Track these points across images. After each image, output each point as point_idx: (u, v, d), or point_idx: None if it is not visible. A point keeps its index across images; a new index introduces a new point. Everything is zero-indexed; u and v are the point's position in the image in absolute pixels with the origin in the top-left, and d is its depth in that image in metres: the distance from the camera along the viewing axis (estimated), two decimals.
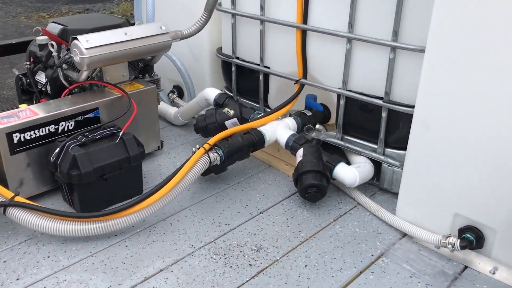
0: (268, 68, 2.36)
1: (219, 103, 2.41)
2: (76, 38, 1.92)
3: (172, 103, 2.86)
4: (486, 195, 1.59)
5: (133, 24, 2.31)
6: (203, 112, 2.48)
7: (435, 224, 1.75)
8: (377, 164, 2.08)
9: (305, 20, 2.11)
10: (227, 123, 2.32)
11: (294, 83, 2.25)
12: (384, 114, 1.98)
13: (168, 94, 2.88)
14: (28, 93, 2.23)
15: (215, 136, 2.03)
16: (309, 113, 2.32)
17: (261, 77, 2.40)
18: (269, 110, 2.44)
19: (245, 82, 2.54)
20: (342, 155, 2.20)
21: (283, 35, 2.22)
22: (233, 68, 2.52)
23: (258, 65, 2.39)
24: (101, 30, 2.07)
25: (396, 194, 1.95)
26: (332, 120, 2.32)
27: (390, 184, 2.05)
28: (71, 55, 1.96)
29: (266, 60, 2.36)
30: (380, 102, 1.96)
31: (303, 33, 2.14)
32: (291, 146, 2.12)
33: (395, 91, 1.93)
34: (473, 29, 1.46)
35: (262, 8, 2.25)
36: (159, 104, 2.41)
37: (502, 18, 1.40)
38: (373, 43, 1.89)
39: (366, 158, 2.10)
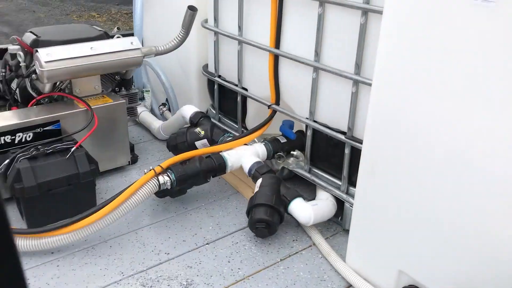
0: (246, 90, 2.27)
1: (193, 122, 2.34)
2: (37, 51, 1.92)
3: (162, 116, 2.83)
4: (430, 256, 1.42)
5: (113, 36, 2.29)
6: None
7: (381, 278, 1.59)
8: (342, 202, 1.94)
9: (277, 44, 2.00)
10: (197, 143, 2.25)
11: (268, 108, 2.15)
12: (347, 151, 1.84)
13: (159, 107, 2.85)
14: (4, 99, 2.26)
15: (170, 159, 1.96)
16: (283, 140, 2.20)
17: (239, 98, 2.32)
18: (246, 131, 2.36)
19: (227, 102, 2.46)
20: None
21: (259, 58, 2.13)
22: (215, 87, 2.45)
23: (236, 85, 2.30)
24: (73, 42, 2.07)
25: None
26: None
27: (349, 223, 1.90)
28: (35, 66, 1.97)
29: (245, 81, 2.27)
30: (342, 137, 1.82)
31: (276, 58, 2.03)
32: (253, 175, 2.02)
33: (358, 127, 1.78)
34: (416, 64, 1.31)
35: (240, 28, 2.17)
36: (132, 116, 2.37)
37: (441, 57, 1.24)
38: (337, 74, 1.76)
39: (330, 195, 1.96)
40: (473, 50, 1.17)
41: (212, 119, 2.54)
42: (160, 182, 1.88)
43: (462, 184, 1.27)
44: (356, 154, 1.83)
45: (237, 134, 2.37)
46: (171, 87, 2.57)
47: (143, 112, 2.79)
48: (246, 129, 2.38)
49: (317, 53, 1.82)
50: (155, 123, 2.67)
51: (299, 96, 2.01)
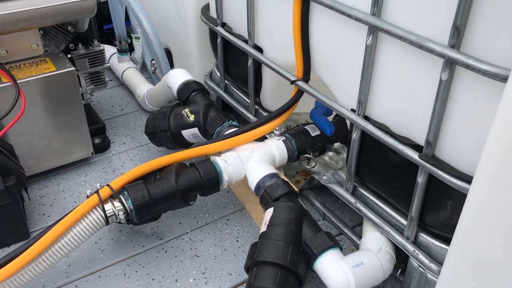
0: (260, 50, 1.46)
1: (181, 99, 1.57)
2: None
3: (155, 75, 2.06)
4: None
5: None
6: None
7: None
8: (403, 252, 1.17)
9: None
10: (184, 132, 1.50)
11: (291, 83, 1.34)
12: (421, 179, 1.04)
13: (152, 61, 2.07)
14: None
15: (125, 174, 1.22)
16: (314, 131, 1.42)
17: (250, 62, 1.51)
18: (262, 111, 1.58)
19: (236, 63, 1.66)
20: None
21: (280, 3, 1.29)
22: (219, 40, 1.64)
23: (247, 42, 1.49)
24: None
25: None
26: None
27: None
28: None
29: (259, 37, 1.45)
30: (414, 155, 1.02)
31: (305, 3, 1.19)
32: (261, 197, 1.27)
33: (445, 142, 0.97)
34: None
35: None
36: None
37: None
38: (412, 43, 0.92)
39: (385, 240, 1.19)
40: None
41: (214, 91, 1.76)
42: (108, 215, 1.16)
43: None
44: (436, 186, 1.03)
45: (248, 121, 1.60)
46: (157, 38, 1.77)
47: (128, 70, 2.03)
48: (261, 106, 1.60)
49: (377, 2, 0.98)
50: (141, 88, 1.91)
51: (341, 72, 1.19)
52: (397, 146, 1.05)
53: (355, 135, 1.18)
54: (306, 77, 1.30)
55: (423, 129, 0.99)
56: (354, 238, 1.35)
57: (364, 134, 1.17)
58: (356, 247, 1.34)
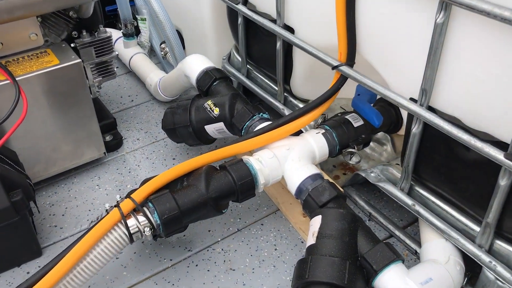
0: (291, 30, 1.27)
1: (201, 89, 1.40)
2: None
3: (165, 60, 1.88)
4: None
5: None
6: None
7: None
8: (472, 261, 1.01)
9: None
10: (208, 128, 1.33)
11: (332, 69, 1.17)
12: (503, 181, 0.87)
13: (161, 45, 1.89)
14: None
15: (148, 183, 1.06)
16: (357, 123, 1.25)
17: (278, 44, 1.33)
18: (292, 99, 1.41)
19: (260, 45, 1.48)
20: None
21: None
22: (240, 20, 1.45)
23: (275, 22, 1.30)
24: None
25: None
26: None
27: None
28: None
29: (290, 16, 1.26)
30: (499, 156, 0.85)
31: None
32: (305, 202, 1.10)
33: None
34: None
35: None
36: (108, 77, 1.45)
37: None
38: (504, 20, 0.74)
39: (454, 249, 1.03)
40: None
41: (234, 77, 1.58)
42: (132, 231, 1.01)
43: None
44: None
45: (283, 115, 1.43)
46: (168, 19, 1.58)
47: (136, 56, 1.85)
48: (291, 94, 1.42)
49: None
50: (152, 76, 1.73)
51: (397, 56, 1.01)
52: (474, 143, 0.88)
53: (416, 129, 1.01)
54: (350, 61, 1.12)
55: (510, 123, 0.82)
56: (408, 241, 1.19)
57: (426, 128, 1.00)
58: (410, 251, 1.19)
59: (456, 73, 0.89)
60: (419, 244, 1.16)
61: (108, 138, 1.51)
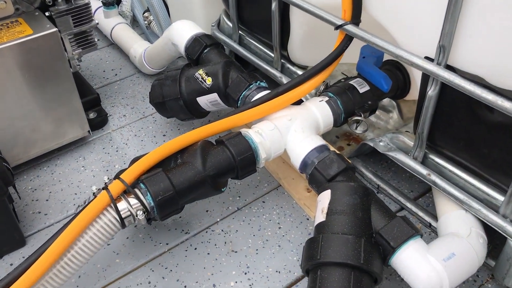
0: None
1: (191, 58, 1.29)
2: None
3: (149, 30, 1.76)
4: None
5: None
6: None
7: None
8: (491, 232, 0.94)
9: None
10: (201, 100, 1.22)
11: (335, 29, 1.06)
12: None
13: (144, 14, 1.76)
14: None
15: (138, 162, 0.96)
16: (363, 88, 1.15)
17: (274, 5, 1.21)
18: (290, 66, 1.30)
19: (252, 7, 1.36)
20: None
21: None
22: None
23: None
24: None
25: None
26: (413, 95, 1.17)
27: None
28: None
29: None
30: None
31: None
32: (311, 176, 1.01)
33: None
34: None
35: None
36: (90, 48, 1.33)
37: None
38: None
39: (474, 219, 0.95)
40: None
41: (226, 44, 1.47)
42: (123, 216, 0.91)
43: None
44: None
45: (281, 83, 1.33)
46: None
47: (118, 26, 1.72)
48: (289, 60, 1.32)
49: None
50: (136, 47, 1.61)
51: (409, 11, 0.91)
52: (501, 103, 0.79)
53: (432, 91, 0.92)
54: (356, 19, 1.02)
55: None
56: (420, 213, 1.11)
57: (444, 89, 0.91)
58: (424, 224, 1.11)
59: (479, 26, 0.79)
60: (432, 216, 1.09)
61: (92, 115, 1.40)
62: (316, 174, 1.00)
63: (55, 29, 1.15)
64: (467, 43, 0.82)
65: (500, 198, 0.91)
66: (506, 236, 0.90)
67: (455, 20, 0.81)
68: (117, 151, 1.35)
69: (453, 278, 0.86)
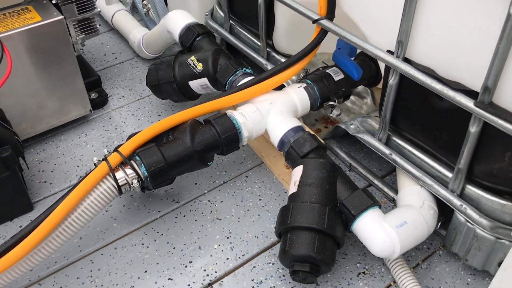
0: None
1: (185, 45, 1.41)
2: None
3: (147, 17, 1.87)
4: None
5: None
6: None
7: None
8: (445, 207, 1.07)
9: None
10: (192, 83, 1.35)
11: (312, 23, 1.19)
12: (474, 128, 0.92)
13: (143, 2, 1.88)
14: None
15: (134, 137, 1.09)
16: (338, 76, 1.28)
17: None
18: (275, 54, 1.43)
19: (241, 0, 1.48)
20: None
21: None
22: None
23: None
24: None
25: (470, 269, 1.00)
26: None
27: (464, 251, 1.06)
28: None
29: None
30: (469, 104, 0.89)
31: None
32: (287, 153, 1.15)
33: (506, 87, 0.84)
34: None
35: None
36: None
37: None
38: None
39: (428, 195, 1.09)
40: None
41: (217, 33, 1.59)
42: (120, 184, 1.04)
43: None
44: (492, 136, 0.92)
45: (265, 69, 1.45)
46: None
47: (119, 13, 1.84)
48: (274, 49, 1.44)
49: None
50: (135, 33, 1.73)
51: (375, 8, 1.03)
52: (446, 92, 0.92)
53: (392, 80, 1.05)
54: (330, 15, 1.14)
55: (480, 73, 0.85)
56: (386, 189, 1.25)
57: (402, 79, 1.04)
58: (388, 199, 1.25)
59: (430, 25, 0.92)
60: (396, 192, 1.22)
61: (93, 95, 1.53)
62: (291, 152, 1.13)
63: (61, 17, 1.27)
64: (421, 39, 0.95)
65: (449, 175, 1.04)
66: (453, 208, 1.04)
67: (410, 18, 0.93)
68: (116, 128, 1.47)
69: (404, 243, 1.00)
